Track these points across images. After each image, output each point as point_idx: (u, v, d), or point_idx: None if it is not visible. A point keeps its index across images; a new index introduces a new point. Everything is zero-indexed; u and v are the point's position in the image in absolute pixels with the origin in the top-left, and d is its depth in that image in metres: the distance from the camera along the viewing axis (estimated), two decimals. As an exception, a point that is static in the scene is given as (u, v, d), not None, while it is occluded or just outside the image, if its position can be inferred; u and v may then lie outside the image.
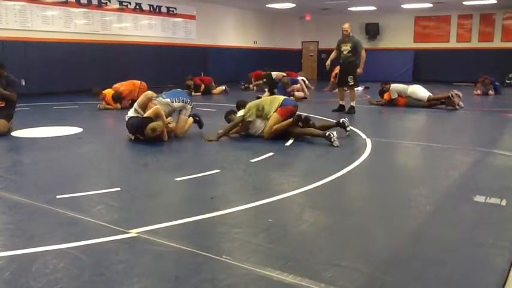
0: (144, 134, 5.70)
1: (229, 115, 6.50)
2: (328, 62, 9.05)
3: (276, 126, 5.94)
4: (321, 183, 4.04)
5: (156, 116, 5.83)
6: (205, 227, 3.07)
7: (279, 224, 3.12)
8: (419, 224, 3.18)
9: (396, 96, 10.17)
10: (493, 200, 3.55)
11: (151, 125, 5.64)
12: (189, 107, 6.29)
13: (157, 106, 5.93)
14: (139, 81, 9.75)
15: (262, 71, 14.12)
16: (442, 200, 3.70)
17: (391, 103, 10.15)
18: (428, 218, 3.28)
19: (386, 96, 10.33)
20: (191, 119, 6.47)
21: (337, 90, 9.83)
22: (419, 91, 10.04)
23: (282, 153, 5.45)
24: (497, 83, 13.34)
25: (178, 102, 6.17)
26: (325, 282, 2.27)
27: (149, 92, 6.36)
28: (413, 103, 9.93)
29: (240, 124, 6.19)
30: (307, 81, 13.42)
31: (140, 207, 3.49)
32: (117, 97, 9.20)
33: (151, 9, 14.80)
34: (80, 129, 6.78)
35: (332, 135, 5.65)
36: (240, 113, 6.27)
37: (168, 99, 6.10)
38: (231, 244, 2.79)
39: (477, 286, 2.35)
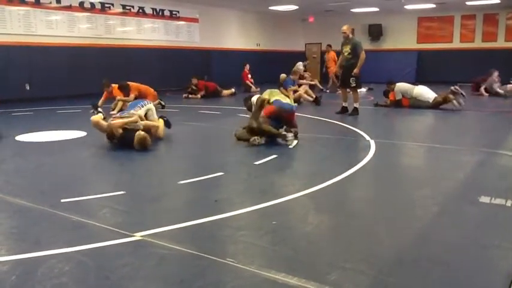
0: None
1: (248, 100, 7.02)
2: (337, 69, 9.29)
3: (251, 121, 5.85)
4: (325, 185, 4.04)
5: (132, 123, 5.74)
6: (210, 229, 3.07)
7: (284, 226, 3.12)
8: (423, 225, 3.17)
9: (401, 97, 10.11)
10: (498, 201, 3.53)
11: (137, 139, 5.49)
12: (150, 106, 6.39)
13: (122, 120, 5.75)
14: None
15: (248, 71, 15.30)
16: (447, 201, 3.68)
17: (397, 104, 10.11)
18: (433, 220, 3.27)
19: (391, 96, 10.29)
20: (161, 120, 6.48)
21: (340, 91, 9.86)
22: (425, 92, 9.98)
23: (285, 155, 5.45)
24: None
25: (140, 108, 6.19)
26: (330, 284, 2.27)
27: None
28: (418, 104, 9.88)
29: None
30: (311, 80, 13.49)
31: (145, 211, 3.49)
32: (124, 87, 9.17)
33: (154, 13, 14.86)
34: (83, 133, 6.80)
35: (288, 135, 5.69)
36: (255, 98, 6.39)
37: (132, 110, 6.08)
38: (235, 247, 2.79)
39: (483, 288, 2.34)
